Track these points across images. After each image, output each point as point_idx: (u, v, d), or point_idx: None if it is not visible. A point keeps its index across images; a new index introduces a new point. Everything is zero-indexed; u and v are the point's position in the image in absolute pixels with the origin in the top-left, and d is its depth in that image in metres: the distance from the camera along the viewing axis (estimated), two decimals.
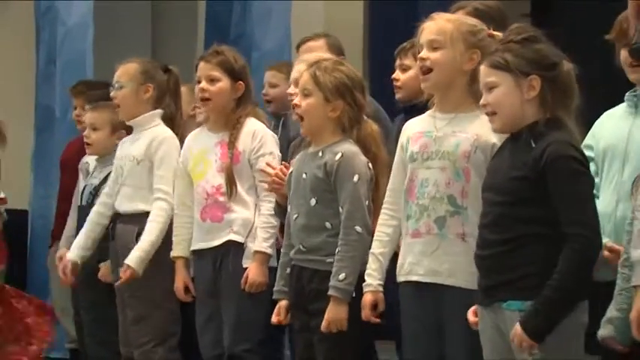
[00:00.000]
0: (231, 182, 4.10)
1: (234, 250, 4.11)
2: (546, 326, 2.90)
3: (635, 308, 2.77)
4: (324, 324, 3.46)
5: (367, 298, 3.43)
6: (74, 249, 4.66)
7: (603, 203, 3.37)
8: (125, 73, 4.57)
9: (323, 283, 3.50)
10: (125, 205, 4.50)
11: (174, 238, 4.29)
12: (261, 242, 4.05)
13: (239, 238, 4.10)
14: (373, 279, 3.44)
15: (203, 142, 4.23)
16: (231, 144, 4.12)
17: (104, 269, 4.73)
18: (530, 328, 2.90)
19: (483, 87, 3.11)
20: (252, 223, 4.09)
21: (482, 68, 3.11)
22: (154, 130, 4.53)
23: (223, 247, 4.13)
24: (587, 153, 3.33)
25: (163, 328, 4.42)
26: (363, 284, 3.45)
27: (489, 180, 3.13)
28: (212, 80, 4.17)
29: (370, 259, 3.46)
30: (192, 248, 4.22)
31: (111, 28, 7.00)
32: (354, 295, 3.47)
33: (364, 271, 3.48)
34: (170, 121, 4.58)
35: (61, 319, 5.69)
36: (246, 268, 4.08)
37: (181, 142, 4.47)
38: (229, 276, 4.10)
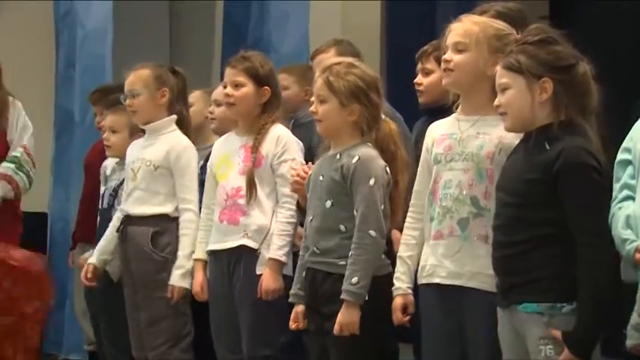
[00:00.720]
0: (251, 185, 4.10)
1: (247, 255, 4.11)
2: (593, 341, 2.92)
3: None
4: (336, 327, 3.46)
5: (397, 302, 3.44)
6: (96, 253, 4.70)
7: (638, 206, 3.35)
8: (139, 79, 4.59)
9: (336, 286, 3.49)
10: (138, 209, 4.53)
11: (197, 241, 4.32)
12: (276, 250, 4.05)
13: (253, 244, 4.10)
14: (402, 282, 3.45)
15: (229, 145, 4.26)
16: (255, 148, 4.13)
17: (82, 260, 4.87)
18: (578, 348, 2.90)
19: (497, 87, 3.12)
20: (267, 229, 4.09)
21: (498, 69, 3.12)
22: (171, 137, 4.57)
23: (237, 250, 4.13)
24: (625, 155, 3.33)
25: (177, 329, 4.44)
26: (393, 288, 3.46)
27: (502, 181, 3.13)
28: (237, 85, 4.19)
29: (398, 262, 3.47)
30: (207, 249, 4.24)
31: (129, 32, 7.02)
32: (366, 298, 3.47)
33: (378, 275, 3.49)
34: (180, 122, 4.62)
35: (81, 321, 5.71)
36: (260, 275, 4.07)
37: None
38: (243, 282, 4.10)
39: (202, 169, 4.70)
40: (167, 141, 4.56)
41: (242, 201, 4.13)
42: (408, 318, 3.46)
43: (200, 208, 4.40)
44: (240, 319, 4.11)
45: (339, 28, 6.39)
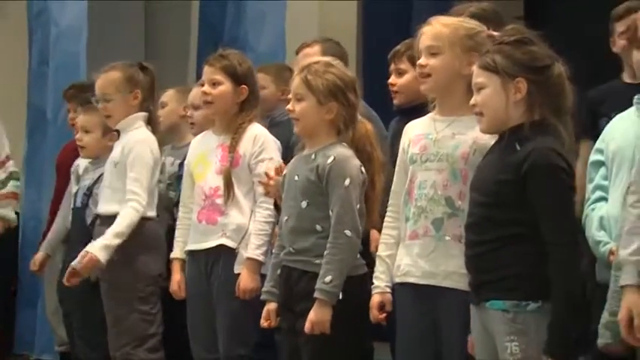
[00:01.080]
0: (229, 185, 4.09)
1: (225, 254, 4.10)
2: (570, 343, 2.93)
3: (624, 308, 2.77)
4: (307, 326, 3.45)
5: (375, 300, 3.45)
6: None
7: (612, 206, 3.36)
8: (110, 83, 4.56)
9: (311, 284, 3.48)
10: (103, 207, 4.53)
11: (175, 240, 4.30)
12: (253, 249, 4.05)
13: (231, 244, 4.09)
14: (380, 281, 3.46)
15: (206, 143, 4.24)
16: (232, 147, 4.12)
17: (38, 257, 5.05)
18: (557, 353, 2.91)
19: (474, 87, 3.14)
20: (246, 229, 4.08)
21: (474, 68, 3.14)
22: (132, 134, 4.54)
23: (215, 250, 4.12)
24: (598, 157, 3.34)
25: (139, 330, 4.42)
26: (372, 286, 3.46)
27: (476, 181, 3.15)
28: (214, 84, 4.17)
29: (377, 261, 3.48)
30: (186, 249, 4.23)
31: (104, 30, 6.97)
32: (340, 297, 3.45)
33: (353, 275, 3.49)
34: (148, 119, 4.58)
35: (52, 321, 5.67)
36: (238, 274, 4.06)
37: (159, 140, 4.52)
38: (221, 281, 4.09)
39: (180, 167, 4.69)
40: (126, 138, 4.53)
41: (220, 201, 4.12)
42: (384, 316, 3.46)
43: (145, 203, 4.36)
44: (217, 318, 4.10)
45: (315, 28, 6.38)
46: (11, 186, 5.52)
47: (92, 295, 4.62)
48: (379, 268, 3.47)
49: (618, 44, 4.37)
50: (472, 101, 3.13)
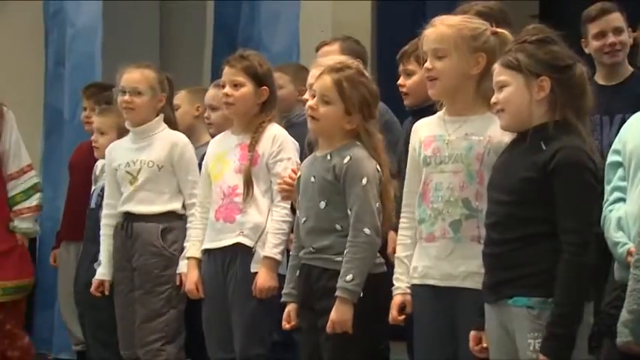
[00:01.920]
0: (248, 183, 4.10)
1: (242, 253, 4.11)
2: (566, 344, 2.92)
3: None
4: (328, 325, 3.46)
5: (396, 300, 3.45)
6: (105, 268, 4.66)
7: (630, 206, 3.36)
8: (144, 79, 4.61)
9: (331, 282, 3.50)
10: (144, 208, 4.53)
11: (190, 239, 4.33)
12: (271, 248, 4.05)
13: (248, 242, 4.10)
14: (401, 282, 3.46)
15: (225, 143, 4.26)
16: (252, 146, 4.13)
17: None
18: (552, 353, 2.91)
19: (495, 85, 3.13)
20: (263, 228, 4.09)
21: (496, 67, 3.14)
22: (167, 136, 4.60)
23: (232, 248, 4.13)
24: (615, 157, 3.34)
25: (174, 326, 4.45)
26: (393, 287, 3.46)
27: (497, 179, 3.14)
28: (236, 85, 4.18)
29: (396, 262, 3.48)
30: (202, 247, 4.24)
31: (119, 30, 7.00)
32: (361, 295, 3.46)
33: (373, 273, 3.49)
34: (172, 127, 4.65)
35: (68, 321, 5.69)
36: (254, 273, 4.07)
37: None
38: (238, 280, 4.10)
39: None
40: (165, 139, 4.58)
41: (238, 199, 4.13)
42: (403, 317, 3.47)
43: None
44: (233, 317, 4.11)
45: (329, 27, 6.38)
46: (36, 198, 5.59)
47: (105, 296, 4.64)
48: (398, 270, 3.47)
49: (591, 45, 4.36)
50: (493, 99, 3.12)
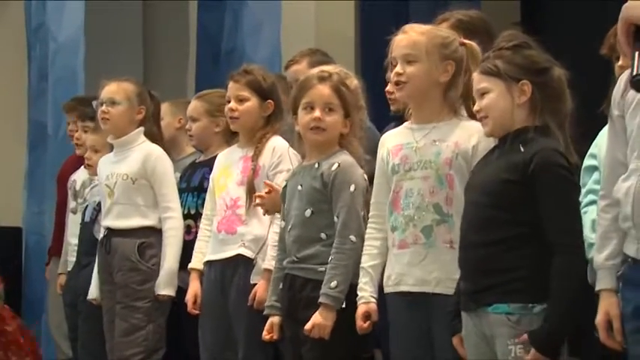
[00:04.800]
0: (251, 194, 4.10)
1: (243, 264, 4.11)
2: (559, 341, 2.94)
3: (600, 313, 2.76)
4: (308, 325, 3.45)
5: (360, 310, 3.43)
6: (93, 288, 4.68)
7: None
8: (122, 91, 4.61)
9: (314, 292, 3.49)
10: (121, 222, 4.53)
11: (195, 251, 4.33)
12: (270, 260, 4.02)
13: (249, 253, 4.10)
14: (364, 291, 3.44)
15: (230, 157, 4.27)
16: (255, 157, 4.14)
17: (61, 279, 4.99)
18: (544, 347, 2.92)
19: (476, 93, 3.15)
20: (264, 240, 4.09)
21: (475, 75, 3.16)
22: (143, 148, 4.59)
23: (233, 260, 4.13)
24: (591, 162, 3.35)
25: (152, 341, 4.45)
26: (357, 297, 3.45)
27: (475, 181, 3.14)
28: (241, 100, 4.18)
29: (361, 273, 3.47)
30: (204, 259, 4.24)
31: (102, 43, 6.99)
32: (344, 305, 3.47)
33: (356, 282, 3.48)
34: (156, 143, 4.65)
35: (55, 335, 5.68)
36: (254, 285, 4.07)
37: None
38: (239, 291, 4.10)
39: (181, 179, 4.71)
40: (140, 152, 4.57)
41: (240, 211, 4.13)
42: (368, 325, 3.44)
43: (182, 215, 4.48)
44: (235, 328, 4.10)
45: (313, 35, 6.39)
46: None
47: (98, 309, 4.63)
48: (362, 279, 3.46)
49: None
50: (476, 107, 3.14)
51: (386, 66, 4.28)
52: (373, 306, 3.43)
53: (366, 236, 3.50)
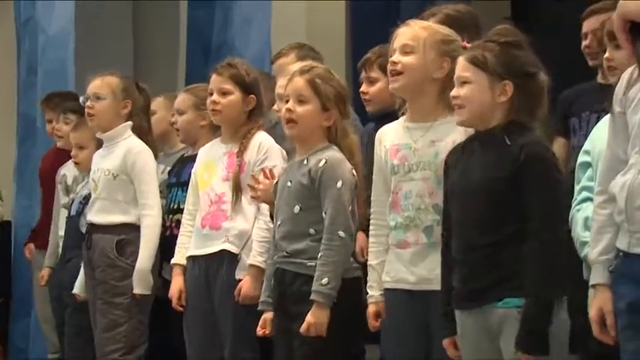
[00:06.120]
0: (237, 190, 4.10)
1: (228, 260, 4.10)
2: (543, 336, 2.94)
3: (594, 308, 2.76)
4: (303, 326, 3.46)
5: (371, 310, 3.46)
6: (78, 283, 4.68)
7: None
8: (106, 85, 4.59)
9: (305, 287, 3.49)
10: (101, 217, 4.53)
11: (177, 246, 4.31)
12: (256, 256, 4.04)
13: (233, 249, 4.09)
14: (375, 290, 3.47)
15: (214, 152, 4.26)
16: (240, 153, 4.13)
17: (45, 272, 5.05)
18: (531, 347, 2.93)
19: (457, 79, 3.14)
20: (248, 235, 4.08)
21: (460, 60, 3.13)
22: (126, 143, 4.57)
23: (218, 255, 4.12)
24: (585, 158, 3.36)
25: (133, 338, 4.44)
26: (367, 296, 3.47)
27: (463, 182, 3.13)
28: (224, 93, 4.17)
29: (369, 270, 3.49)
30: (187, 254, 4.23)
31: (92, 37, 6.98)
32: (335, 301, 3.47)
33: (346, 277, 3.49)
34: (143, 137, 4.63)
35: (44, 329, 5.67)
36: (239, 280, 4.06)
37: (155, 156, 4.58)
38: (223, 287, 4.09)
39: (170, 174, 4.69)
40: (122, 148, 4.56)
41: (225, 207, 4.12)
42: (379, 323, 3.47)
43: (161, 210, 4.47)
44: (221, 324, 4.10)
45: (303, 32, 6.39)
46: None
47: (84, 303, 4.63)
48: (372, 277, 3.48)
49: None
50: (454, 92, 3.12)
51: (361, 66, 4.30)
52: (382, 305, 3.46)
53: (370, 233, 3.51)
